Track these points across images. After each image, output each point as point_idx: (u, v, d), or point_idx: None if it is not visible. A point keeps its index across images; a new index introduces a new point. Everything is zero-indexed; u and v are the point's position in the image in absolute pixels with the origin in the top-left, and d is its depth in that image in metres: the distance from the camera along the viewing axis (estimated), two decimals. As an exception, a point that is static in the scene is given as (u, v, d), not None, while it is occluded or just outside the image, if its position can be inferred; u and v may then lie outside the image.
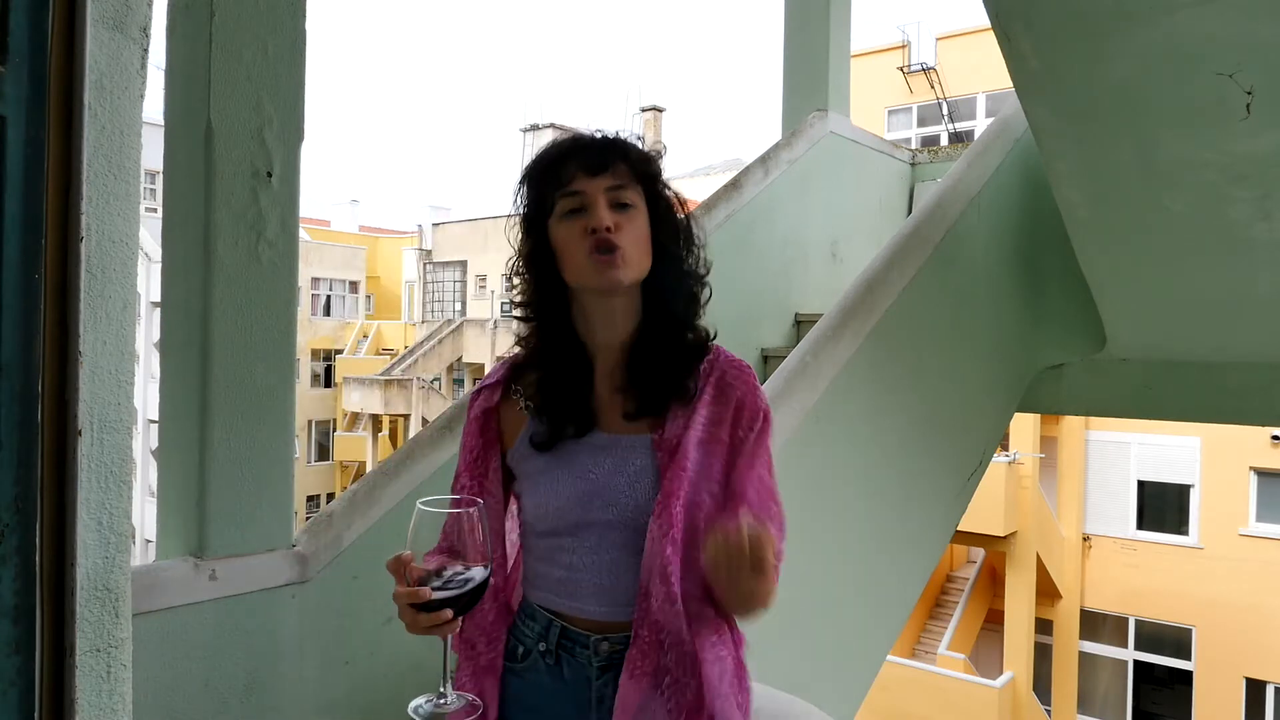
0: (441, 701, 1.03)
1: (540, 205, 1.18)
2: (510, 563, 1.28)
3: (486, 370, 4.51)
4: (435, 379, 23.87)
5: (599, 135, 1.19)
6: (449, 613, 0.99)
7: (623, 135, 1.20)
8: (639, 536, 1.13)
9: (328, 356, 26.85)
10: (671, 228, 1.19)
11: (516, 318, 1.24)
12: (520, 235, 1.20)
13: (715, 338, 1.24)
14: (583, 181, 1.14)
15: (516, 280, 1.22)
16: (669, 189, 1.21)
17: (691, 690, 1.10)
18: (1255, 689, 13.11)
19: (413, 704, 1.05)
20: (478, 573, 1.00)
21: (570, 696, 1.16)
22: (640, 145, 1.21)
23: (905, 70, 16.23)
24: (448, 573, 1.00)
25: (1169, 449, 13.96)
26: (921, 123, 16.43)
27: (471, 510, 1.00)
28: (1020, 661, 13.16)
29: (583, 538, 1.16)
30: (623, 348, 1.19)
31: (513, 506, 1.29)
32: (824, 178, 4.44)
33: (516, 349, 1.27)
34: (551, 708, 1.17)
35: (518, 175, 1.24)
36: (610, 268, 1.11)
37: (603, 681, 1.15)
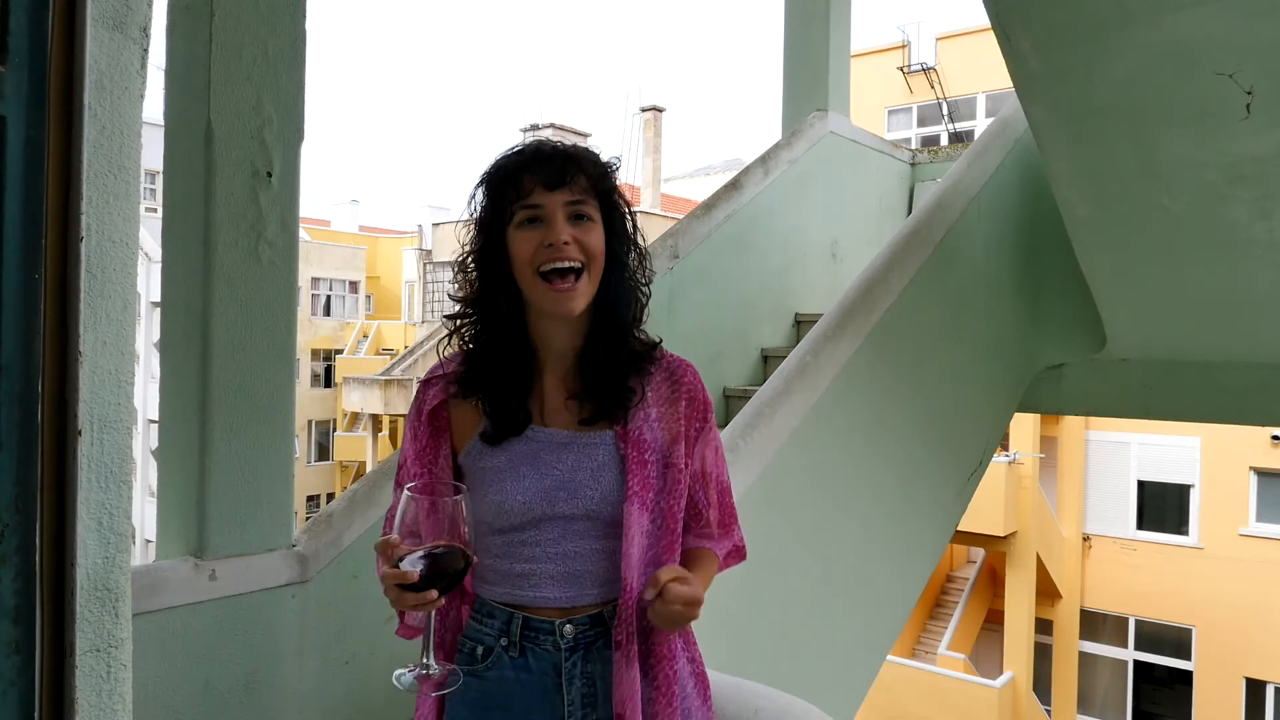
0: (424, 672, 1.11)
1: (498, 210, 1.20)
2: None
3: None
4: (435, 379, 23.74)
5: (559, 147, 1.22)
6: (434, 593, 1.06)
7: (581, 146, 1.24)
8: (603, 525, 1.20)
9: (328, 356, 26.83)
10: (624, 238, 1.24)
11: (457, 316, 1.26)
12: (474, 234, 1.24)
13: (661, 343, 1.31)
14: (541, 195, 1.17)
15: (461, 277, 1.25)
16: (622, 199, 1.26)
17: (671, 670, 1.20)
18: (1255, 689, 13.10)
19: (396, 672, 1.13)
20: (458, 554, 1.08)
21: (536, 685, 1.19)
22: (598, 157, 1.24)
23: (905, 70, 16.22)
24: (426, 552, 1.06)
25: (1169, 449, 13.95)
26: (921, 123, 16.42)
27: (457, 498, 1.07)
28: (1020, 661, 13.16)
29: (545, 530, 1.19)
30: (574, 353, 1.24)
31: None
32: (824, 178, 4.43)
33: (454, 342, 1.29)
34: (519, 700, 1.19)
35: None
36: (568, 300, 1.17)
37: (571, 662, 1.19)
